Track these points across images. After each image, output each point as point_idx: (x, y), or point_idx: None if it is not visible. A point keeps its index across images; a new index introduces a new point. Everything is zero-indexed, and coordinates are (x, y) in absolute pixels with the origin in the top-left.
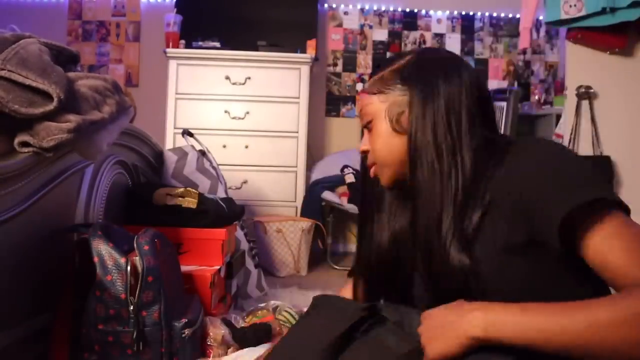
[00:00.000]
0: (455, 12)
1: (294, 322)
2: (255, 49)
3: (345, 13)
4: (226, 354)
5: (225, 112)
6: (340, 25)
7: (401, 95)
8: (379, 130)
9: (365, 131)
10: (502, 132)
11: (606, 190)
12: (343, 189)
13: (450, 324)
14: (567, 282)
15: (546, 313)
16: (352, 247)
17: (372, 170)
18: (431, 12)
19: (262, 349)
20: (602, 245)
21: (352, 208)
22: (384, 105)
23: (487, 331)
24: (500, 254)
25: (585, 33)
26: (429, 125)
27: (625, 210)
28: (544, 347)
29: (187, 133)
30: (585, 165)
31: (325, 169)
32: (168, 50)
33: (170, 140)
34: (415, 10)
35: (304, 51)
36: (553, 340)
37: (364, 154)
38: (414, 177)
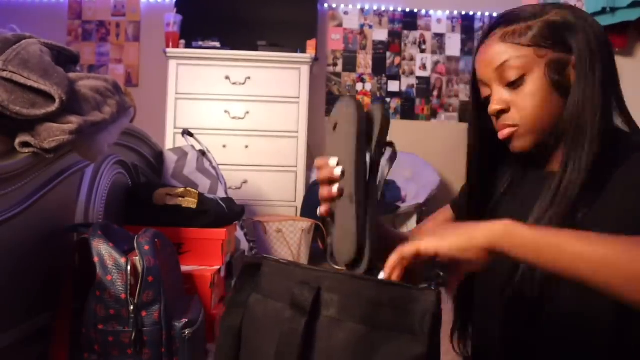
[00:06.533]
0: (455, 12)
1: None
2: (255, 49)
3: (345, 13)
4: None
5: (225, 112)
6: (340, 25)
7: (564, 51)
8: (535, 87)
9: (500, 89)
10: None
11: None
12: None
13: (466, 228)
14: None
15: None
16: None
17: (508, 131)
18: (431, 12)
19: None
20: None
21: None
22: (542, 60)
23: (504, 239)
24: None
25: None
26: (598, 85)
27: None
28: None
29: (187, 133)
30: None
31: None
32: (168, 50)
33: (170, 140)
34: (415, 10)
35: (304, 51)
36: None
37: (499, 114)
38: (574, 140)
